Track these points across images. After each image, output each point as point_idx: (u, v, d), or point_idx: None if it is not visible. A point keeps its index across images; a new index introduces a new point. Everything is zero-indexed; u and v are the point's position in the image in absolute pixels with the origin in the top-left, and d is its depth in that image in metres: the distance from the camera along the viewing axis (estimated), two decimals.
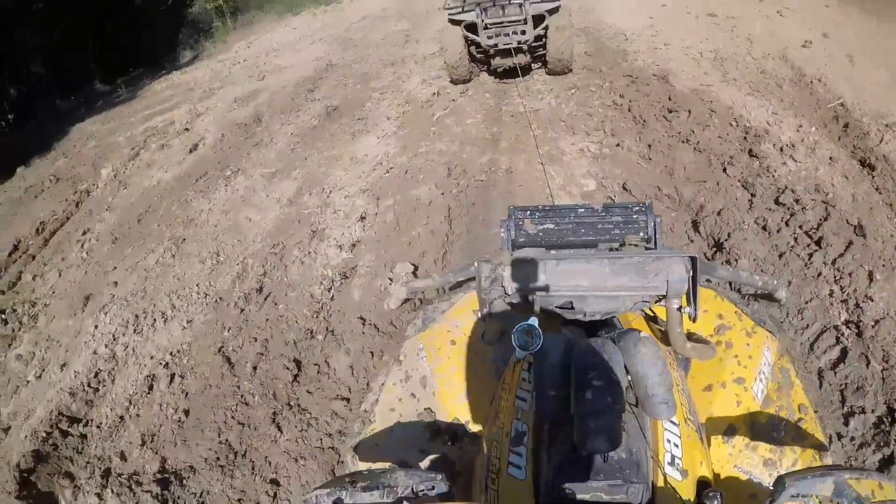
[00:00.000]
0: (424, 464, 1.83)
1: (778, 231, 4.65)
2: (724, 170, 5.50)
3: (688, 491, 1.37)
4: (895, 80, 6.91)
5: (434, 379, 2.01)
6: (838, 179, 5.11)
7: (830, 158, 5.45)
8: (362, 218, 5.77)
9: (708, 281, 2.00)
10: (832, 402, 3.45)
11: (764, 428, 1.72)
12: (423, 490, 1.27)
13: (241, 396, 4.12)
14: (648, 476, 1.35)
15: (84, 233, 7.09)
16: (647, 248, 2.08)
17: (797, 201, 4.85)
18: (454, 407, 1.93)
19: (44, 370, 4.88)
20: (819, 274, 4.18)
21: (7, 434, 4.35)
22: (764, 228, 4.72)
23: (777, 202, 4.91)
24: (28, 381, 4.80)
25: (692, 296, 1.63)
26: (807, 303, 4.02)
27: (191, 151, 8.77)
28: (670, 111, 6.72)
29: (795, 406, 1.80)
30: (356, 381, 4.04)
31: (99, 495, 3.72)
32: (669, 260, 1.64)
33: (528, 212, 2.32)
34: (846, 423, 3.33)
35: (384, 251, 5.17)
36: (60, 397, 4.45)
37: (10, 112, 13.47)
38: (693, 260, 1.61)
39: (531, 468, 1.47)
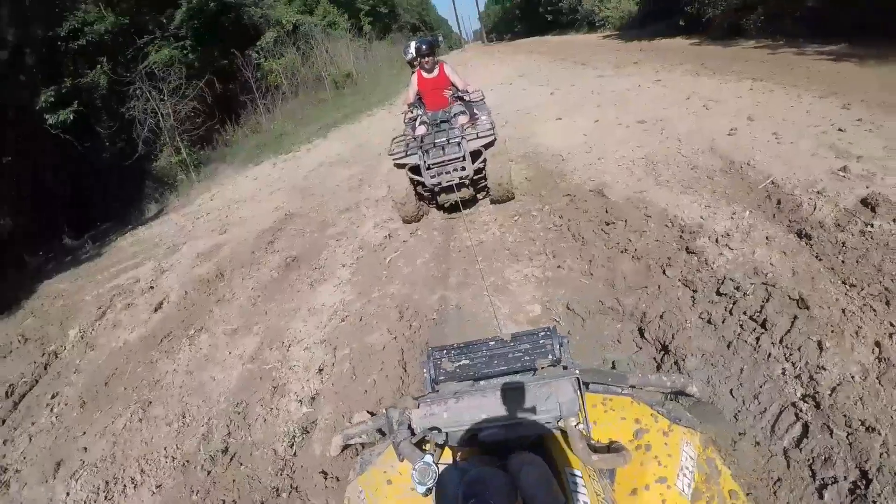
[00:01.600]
0: None
1: (723, 322, 4.90)
2: (664, 272, 5.94)
3: None
4: (820, 146, 7.61)
5: None
6: (776, 257, 5.49)
7: (766, 238, 5.87)
8: (320, 370, 6.17)
9: (621, 389, 2.11)
10: (803, 479, 3.54)
11: None
12: None
13: None
14: None
15: (53, 396, 7.33)
16: (550, 369, 2.20)
17: (737, 288, 5.16)
18: None
19: None
20: (769, 355, 4.36)
21: None
22: (709, 322, 4.98)
23: (718, 293, 5.25)
24: None
25: (583, 412, 1.77)
26: (761, 386, 4.17)
27: (155, 310, 9.16)
28: (607, 223, 7.32)
29: (726, 493, 1.84)
30: None
31: None
32: (556, 383, 1.80)
33: (445, 351, 2.51)
34: (821, 497, 3.42)
35: (342, 402, 5.53)
36: None
37: None
38: (577, 380, 1.78)
39: None
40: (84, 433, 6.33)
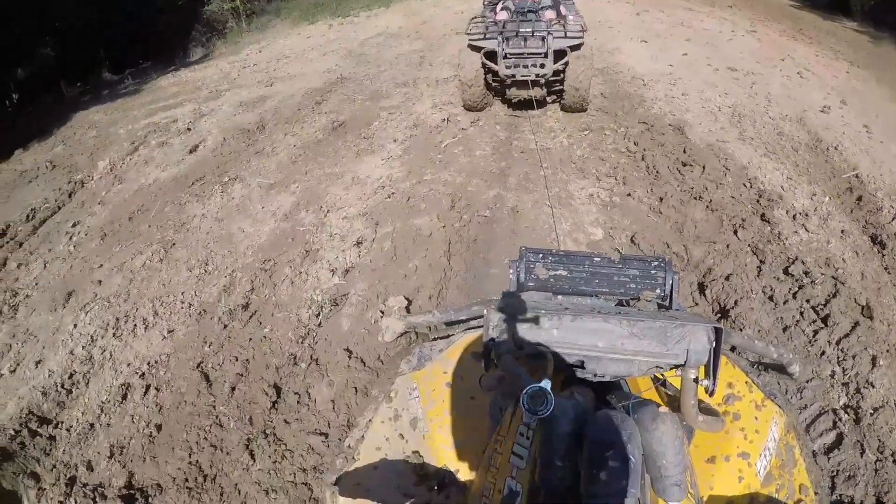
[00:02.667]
0: None
1: (785, 303, 4.60)
2: (735, 232, 5.48)
3: None
4: None
5: (426, 422, 1.90)
6: (849, 254, 5.11)
7: (842, 231, 5.46)
8: (358, 243, 5.68)
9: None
10: (822, 488, 3.35)
11: None
12: None
13: (217, 417, 4.03)
14: None
15: (74, 225, 6.97)
16: (659, 306, 2.03)
17: (806, 273, 4.82)
18: (444, 453, 1.81)
19: (18, 364, 4.76)
20: (822, 353, 4.14)
21: None
22: (771, 299, 4.67)
23: (786, 272, 4.88)
24: (1, 374, 4.68)
25: (713, 369, 1.54)
26: (807, 382, 3.96)
27: (191, 152, 8.68)
28: (684, 164, 6.70)
29: (797, 486, 1.76)
30: (336, 415, 3.94)
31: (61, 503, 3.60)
32: (693, 328, 1.55)
33: (541, 255, 2.20)
34: None
35: (378, 281, 5.09)
36: (32, 395, 4.35)
37: (15, 92, 13.31)
38: (718, 331, 1.52)
39: None
40: (101, 266, 5.96)
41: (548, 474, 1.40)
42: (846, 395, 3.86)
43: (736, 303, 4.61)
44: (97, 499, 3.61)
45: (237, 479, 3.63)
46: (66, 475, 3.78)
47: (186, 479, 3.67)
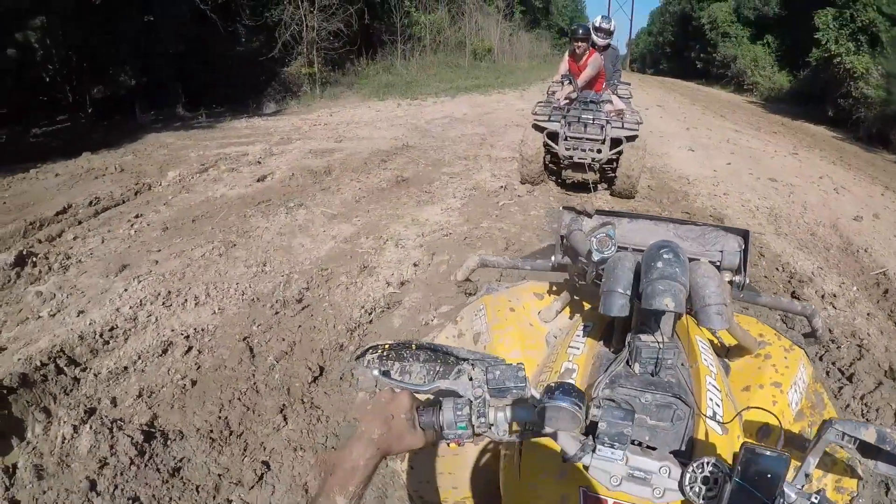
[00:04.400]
0: None
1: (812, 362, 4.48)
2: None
3: (726, 448, 1.32)
4: None
5: (489, 334, 2.08)
6: (874, 331, 5.13)
7: (868, 314, 5.47)
8: (415, 265, 5.72)
9: (745, 309, 2.19)
10: None
11: (795, 439, 1.68)
12: (491, 378, 1.20)
13: (254, 384, 3.94)
14: (694, 406, 1.38)
15: (137, 216, 7.12)
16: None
17: (833, 341, 4.86)
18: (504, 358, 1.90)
19: (59, 311, 4.73)
20: (847, 406, 4.10)
21: (0, 353, 4.17)
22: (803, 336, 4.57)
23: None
24: (40, 316, 4.64)
25: (743, 267, 1.82)
26: None
27: (259, 181, 8.92)
28: None
29: None
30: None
31: (75, 427, 3.46)
32: (724, 232, 1.83)
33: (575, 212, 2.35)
34: None
35: (432, 293, 5.07)
36: (68, 336, 4.28)
37: (91, 107, 13.92)
38: (746, 234, 1.80)
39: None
40: (159, 250, 6.04)
41: (610, 300, 1.55)
42: None
43: None
44: (114, 428, 3.49)
45: (264, 438, 3.50)
46: (86, 406, 3.65)
47: (211, 431, 3.52)
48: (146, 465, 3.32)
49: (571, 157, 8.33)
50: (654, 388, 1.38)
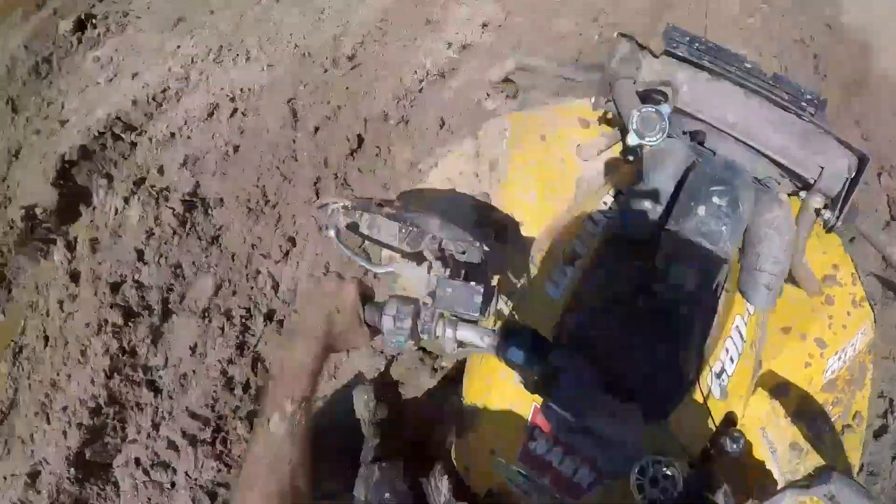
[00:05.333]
0: None
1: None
2: (879, 175, 4.25)
3: (716, 415, 1.20)
4: None
5: (507, 165, 1.71)
6: None
7: None
8: (484, 25, 5.14)
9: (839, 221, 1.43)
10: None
11: (811, 409, 1.45)
12: (450, 251, 1.11)
13: (293, 151, 3.82)
14: (696, 366, 1.20)
15: None
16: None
17: None
18: (516, 202, 1.64)
19: (116, 75, 4.67)
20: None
21: (63, 126, 4.23)
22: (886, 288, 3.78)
23: None
24: (98, 83, 4.62)
25: (842, 201, 1.26)
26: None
27: None
28: (857, 83, 5.63)
29: (853, 410, 1.58)
30: (410, 181, 3.63)
31: (126, 200, 3.58)
32: (836, 147, 1.27)
33: (688, 38, 1.69)
34: None
35: (494, 63, 4.59)
36: (123, 103, 4.26)
37: None
38: (862, 160, 1.24)
39: (570, 293, 1.31)
40: None
41: (631, 218, 1.27)
42: None
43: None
44: (159, 200, 3.55)
45: (296, 211, 3.47)
46: (136, 175, 3.74)
47: (248, 200, 3.54)
48: (188, 234, 3.39)
49: None
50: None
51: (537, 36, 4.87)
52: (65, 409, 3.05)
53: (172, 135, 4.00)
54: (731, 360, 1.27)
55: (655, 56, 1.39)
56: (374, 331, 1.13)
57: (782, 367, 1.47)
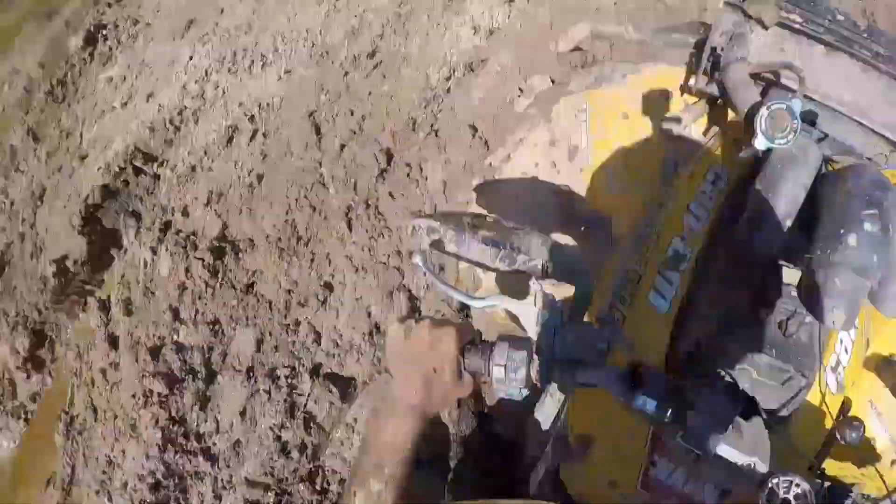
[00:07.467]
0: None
1: None
2: None
3: (834, 408, 1.18)
4: None
5: (589, 153, 1.63)
6: None
7: None
8: (511, 0, 4.74)
9: None
10: None
11: None
12: (554, 272, 0.97)
13: (321, 176, 3.59)
14: (812, 376, 1.12)
15: None
16: None
17: None
18: (602, 194, 1.58)
19: (130, 98, 4.53)
20: None
21: (83, 163, 4.13)
22: None
23: None
24: (114, 108, 4.49)
25: None
26: None
27: None
28: None
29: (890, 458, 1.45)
30: (446, 199, 3.38)
31: (154, 250, 3.45)
32: None
33: None
34: None
35: (523, 52, 4.21)
36: (140, 131, 4.11)
37: None
38: None
39: (679, 302, 1.27)
40: None
41: (758, 233, 1.17)
42: None
43: None
44: (188, 247, 3.41)
45: (330, 248, 3.27)
46: (161, 220, 3.61)
47: (279, 239, 3.36)
48: (221, 284, 3.27)
49: None
50: (776, 352, 1.10)
51: (573, 7, 4.48)
52: (125, 485, 3.02)
53: (193, 168, 3.83)
54: (846, 350, 1.24)
55: (766, 27, 1.28)
56: (477, 376, 0.98)
57: (888, 341, 1.39)
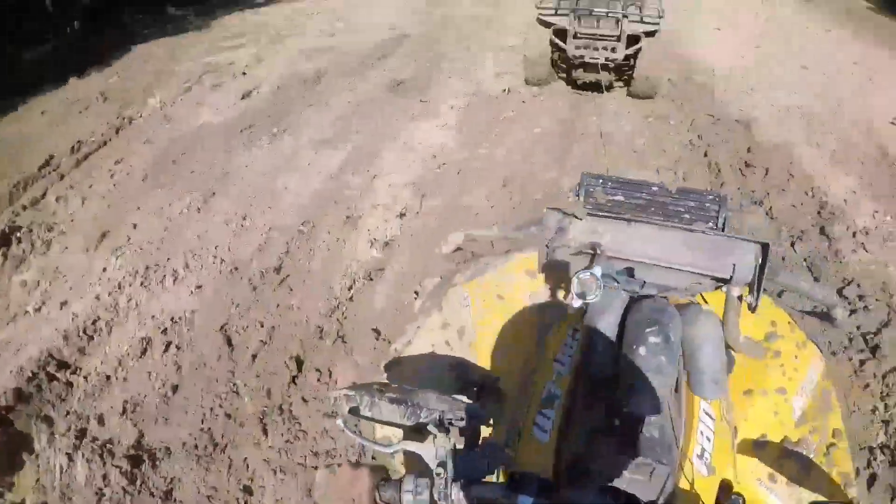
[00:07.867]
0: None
1: (835, 327, 4.19)
2: (793, 244, 5.05)
3: (710, 490, 1.34)
4: None
5: (474, 331, 1.94)
6: None
7: None
8: (402, 214, 5.44)
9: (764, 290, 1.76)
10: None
11: (794, 445, 1.65)
12: (450, 419, 1.19)
13: (234, 385, 3.88)
14: (675, 462, 1.30)
15: (117, 162, 6.83)
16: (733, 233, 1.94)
17: (861, 297, 4.44)
18: (489, 362, 1.86)
19: (44, 303, 4.66)
20: (866, 385, 3.81)
21: None
22: (821, 319, 4.25)
23: (840, 293, 4.47)
24: (27, 312, 4.59)
25: (757, 285, 1.52)
26: (850, 414, 3.67)
27: (244, 98, 8.49)
28: (747, 165, 6.27)
29: (830, 430, 1.75)
30: None
31: (69, 456, 3.51)
32: (742, 244, 1.56)
33: (601, 179, 2.20)
34: None
35: (417, 259, 4.84)
36: (54, 339, 4.23)
37: (77, 20, 13.12)
38: (765, 248, 1.51)
39: (556, 432, 1.46)
40: (138, 208, 5.82)
41: (589, 358, 1.49)
42: (885, 433, 3.55)
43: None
44: (104, 455, 3.50)
45: (247, 453, 3.47)
46: (76, 427, 3.69)
47: (196, 447, 3.54)
48: (139, 492, 3.35)
49: (582, 58, 7.47)
50: (637, 449, 1.29)
51: (453, 216, 5.18)
52: None
53: (108, 377, 3.98)
54: (708, 439, 1.42)
55: (580, 219, 1.68)
56: None
57: (755, 423, 1.67)
